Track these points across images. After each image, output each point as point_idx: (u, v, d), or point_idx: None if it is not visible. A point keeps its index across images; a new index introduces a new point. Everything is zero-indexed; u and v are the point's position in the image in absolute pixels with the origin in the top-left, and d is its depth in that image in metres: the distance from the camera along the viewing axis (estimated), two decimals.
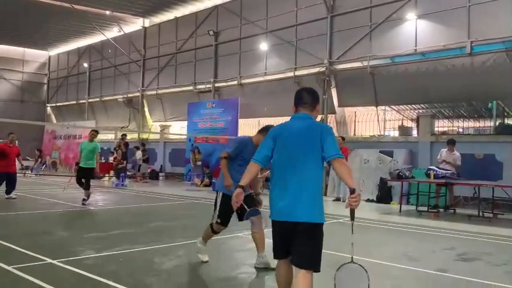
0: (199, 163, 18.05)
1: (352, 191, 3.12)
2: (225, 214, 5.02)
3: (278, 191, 3.36)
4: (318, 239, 3.25)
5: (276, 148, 3.44)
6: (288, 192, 3.27)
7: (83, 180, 10.61)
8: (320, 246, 3.26)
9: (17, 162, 12.05)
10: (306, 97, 3.60)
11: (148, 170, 20.02)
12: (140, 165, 19.66)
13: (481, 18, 12.37)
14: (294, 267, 3.20)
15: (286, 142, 3.40)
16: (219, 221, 5.03)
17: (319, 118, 15.61)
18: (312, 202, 3.25)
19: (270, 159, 3.46)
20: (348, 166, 3.30)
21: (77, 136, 24.16)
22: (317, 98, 3.65)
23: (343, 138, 13.31)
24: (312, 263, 3.19)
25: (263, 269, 5.09)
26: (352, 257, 3.27)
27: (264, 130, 4.77)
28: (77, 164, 10.91)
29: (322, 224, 3.27)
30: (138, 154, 19.67)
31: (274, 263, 3.89)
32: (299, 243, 3.20)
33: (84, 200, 10.61)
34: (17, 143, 12.27)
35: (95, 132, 10.99)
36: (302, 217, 3.20)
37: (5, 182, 11.35)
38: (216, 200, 5.15)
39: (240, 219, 5.01)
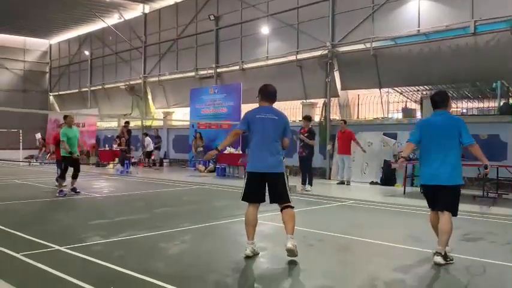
0: (200, 149, 18.05)
1: (485, 166, 5.01)
2: None
3: (424, 164, 5.01)
4: (457, 194, 4.90)
5: (423, 135, 5.02)
6: (434, 165, 4.87)
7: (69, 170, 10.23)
8: (458, 199, 4.91)
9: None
10: (439, 100, 5.07)
11: (152, 157, 20.07)
12: (149, 151, 19.72)
13: None
14: (440, 212, 4.92)
15: (432, 131, 4.96)
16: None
17: (321, 102, 15.72)
18: (452, 171, 4.82)
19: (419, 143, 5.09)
20: (480, 149, 4.90)
21: (80, 124, 24.19)
22: (447, 97, 5.14)
23: (344, 122, 13.26)
24: (453, 209, 4.88)
25: (270, 253, 5.13)
26: None
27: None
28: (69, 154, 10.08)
29: (460, 184, 4.90)
30: (147, 140, 19.68)
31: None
32: (444, 197, 4.85)
33: (75, 188, 10.29)
34: None
35: (74, 116, 10.68)
36: (446, 181, 4.82)
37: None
38: (287, 178, 5.12)
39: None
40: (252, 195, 5.00)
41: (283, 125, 5.09)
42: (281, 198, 4.98)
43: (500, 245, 5.82)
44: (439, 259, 4.74)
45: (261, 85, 5.30)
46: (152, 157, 19.94)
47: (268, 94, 5.19)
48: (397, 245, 5.72)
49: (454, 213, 4.86)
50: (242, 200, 5.05)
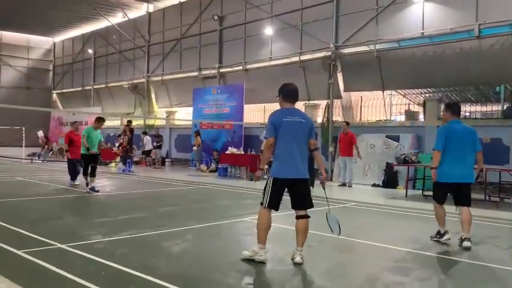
0: (195, 148, 18.00)
1: (481, 170, 6.18)
2: None
3: (450, 165, 5.80)
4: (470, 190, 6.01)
5: (447, 141, 5.81)
6: (461, 166, 5.77)
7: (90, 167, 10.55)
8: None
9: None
10: (458, 109, 6.05)
11: (152, 156, 20.01)
12: (147, 150, 19.67)
13: (488, 1, 12.17)
14: (461, 207, 5.93)
15: (457, 137, 5.81)
16: None
17: (324, 103, 15.70)
18: (473, 171, 5.91)
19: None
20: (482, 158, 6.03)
21: (83, 122, 24.22)
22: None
23: (347, 123, 13.25)
24: (470, 203, 5.95)
25: (273, 256, 5.12)
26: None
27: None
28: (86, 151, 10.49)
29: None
30: (146, 139, 19.67)
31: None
32: (465, 192, 5.92)
33: (94, 187, 10.39)
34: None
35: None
36: (471, 179, 5.91)
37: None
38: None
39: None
40: (277, 202, 4.80)
41: (309, 127, 4.88)
42: (308, 204, 4.86)
43: (503, 249, 5.81)
44: (469, 243, 5.61)
45: (281, 84, 5.02)
46: (152, 156, 19.91)
47: (290, 94, 4.94)
48: (398, 248, 5.71)
49: (470, 205, 5.94)
50: (267, 207, 4.76)
